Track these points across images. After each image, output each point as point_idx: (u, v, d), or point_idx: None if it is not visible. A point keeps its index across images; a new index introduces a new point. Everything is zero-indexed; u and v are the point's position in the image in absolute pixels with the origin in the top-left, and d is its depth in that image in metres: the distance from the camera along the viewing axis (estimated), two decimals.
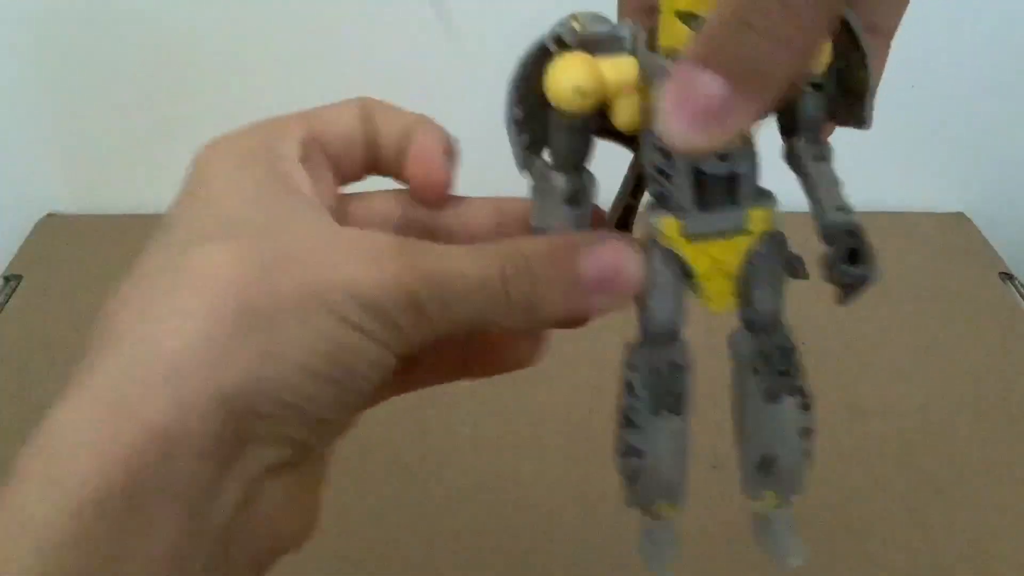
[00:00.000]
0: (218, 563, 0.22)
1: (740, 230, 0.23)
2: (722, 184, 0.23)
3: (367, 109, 0.27)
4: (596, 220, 0.26)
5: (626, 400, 0.25)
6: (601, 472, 0.49)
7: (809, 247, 0.24)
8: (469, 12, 0.62)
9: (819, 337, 0.56)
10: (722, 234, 0.23)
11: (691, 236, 0.23)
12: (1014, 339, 0.59)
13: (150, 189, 0.71)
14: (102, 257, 0.66)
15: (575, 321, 0.24)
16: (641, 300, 0.24)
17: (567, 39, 0.23)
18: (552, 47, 0.23)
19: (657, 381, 0.24)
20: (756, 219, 0.23)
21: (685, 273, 0.24)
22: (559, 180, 0.25)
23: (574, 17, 0.24)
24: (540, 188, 0.25)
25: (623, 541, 0.46)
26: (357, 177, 0.28)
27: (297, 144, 0.25)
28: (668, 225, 0.23)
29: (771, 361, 0.24)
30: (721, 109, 0.17)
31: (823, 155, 0.23)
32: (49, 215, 0.70)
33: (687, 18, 0.21)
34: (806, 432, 0.25)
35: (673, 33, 0.21)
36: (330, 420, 0.23)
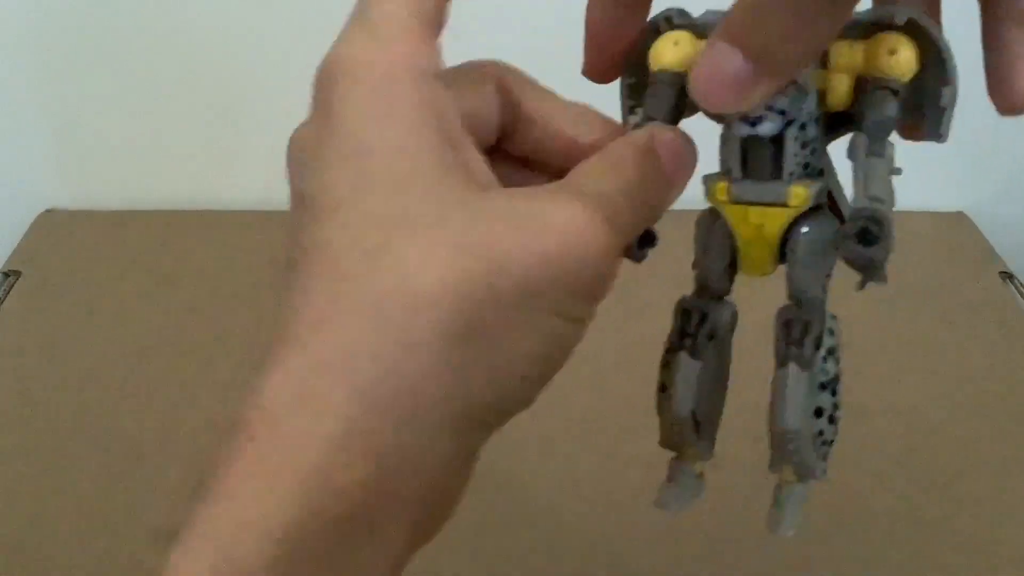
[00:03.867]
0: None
1: (779, 202, 0.25)
2: (764, 156, 0.25)
3: (506, 86, 0.25)
4: None
5: (667, 342, 0.28)
6: (601, 469, 0.49)
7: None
8: (470, 13, 0.62)
9: None
10: (763, 203, 0.25)
11: (735, 200, 0.25)
12: (1014, 339, 0.59)
13: (148, 185, 0.71)
14: (100, 253, 0.66)
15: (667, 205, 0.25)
16: (698, 258, 0.27)
17: (675, 20, 0.26)
18: (662, 25, 0.26)
19: (682, 321, 0.27)
20: (795, 196, 0.25)
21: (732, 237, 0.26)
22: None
23: (679, 11, 0.26)
24: None
25: (624, 538, 0.46)
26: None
27: (458, 109, 0.23)
28: (718, 188, 0.25)
29: (790, 329, 0.26)
30: (741, 81, 0.20)
31: (880, 152, 0.24)
32: (47, 211, 0.70)
33: None
34: (819, 412, 0.26)
35: None
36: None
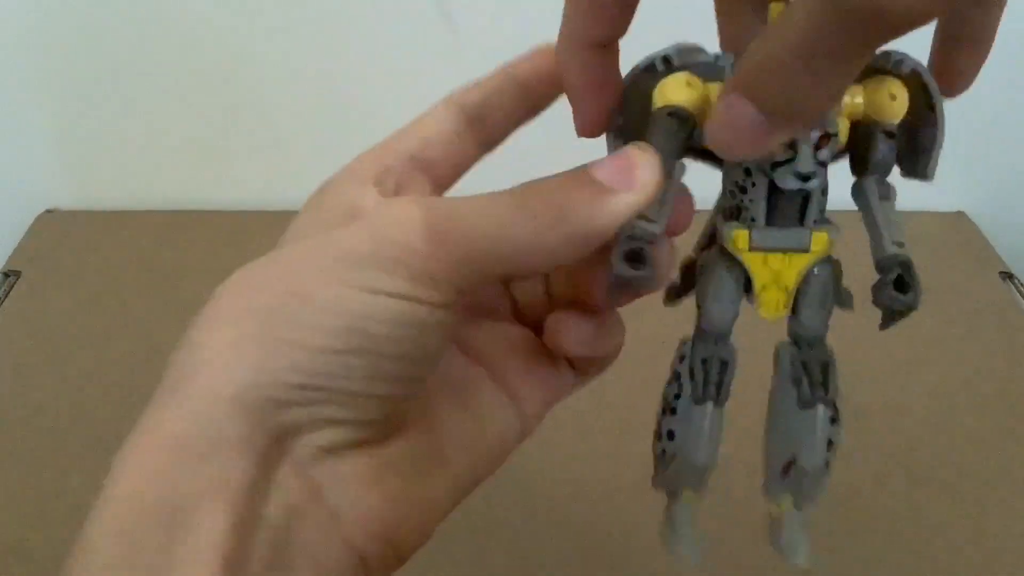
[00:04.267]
0: (291, 561, 0.22)
1: (802, 249, 0.25)
2: (794, 205, 0.25)
3: (456, 105, 0.27)
4: (682, 220, 0.26)
5: (670, 388, 0.27)
6: (601, 469, 0.49)
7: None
8: (471, 11, 0.62)
9: None
10: (785, 250, 0.25)
11: (757, 248, 0.25)
12: (1014, 339, 0.59)
13: (148, 185, 0.71)
14: (100, 253, 0.66)
15: (611, 224, 0.24)
16: (702, 301, 0.26)
17: (674, 60, 0.25)
18: (660, 66, 0.25)
19: (706, 372, 0.27)
20: (818, 241, 0.25)
21: (745, 281, 0.26)
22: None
23: (678, 50, 0.26)
24: None
25: (624, 538, 0.46)
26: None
27: (370, 178, 0.26)
28: (738, 236, 0.25)
29: (810, 371, 0.27)
30: (756, 132, 0.21)
31: (887, 195, 0.25)
32: (48, 211, 0.70)
33: None
34: (831, 444, 0.27)
35: None
36: (378, 394, 0.23)
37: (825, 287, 0.26)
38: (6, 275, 0.63)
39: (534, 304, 0.29)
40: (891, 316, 0.24)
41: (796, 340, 0.27)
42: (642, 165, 0.24)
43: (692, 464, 0.27)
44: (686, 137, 0.25)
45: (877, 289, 0.24)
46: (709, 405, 0.26)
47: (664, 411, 0.27)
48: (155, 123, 0.68)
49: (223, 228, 0.66)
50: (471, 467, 0.27)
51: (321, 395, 0.22)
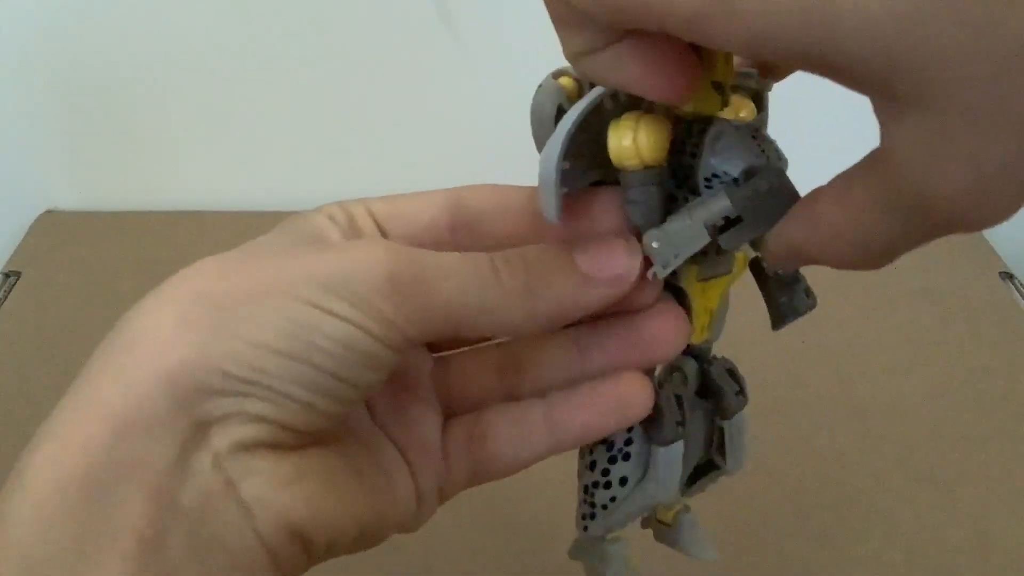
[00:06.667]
0: (205, 549, 0.22)
1: (727, 272, 0.26)
2: None
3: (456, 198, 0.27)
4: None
5: (618, 437, 0.28)
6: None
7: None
8: (471, 12, 0.62)
9: (819, 336, 0.56)
10: (717, 276, 0.26)
11: (704, 278, 0.26)
12: (1014, 339, 0.59)
13: (148, 186, 0.71)
14: (100, 254, 0.66)
15: (578, 311, 0.24)
16: None
17: (622, 96, 0.24)
18: (608, 104, 0.24)
19: (680, 410, 0.27)
20: (739, 261, 0.26)
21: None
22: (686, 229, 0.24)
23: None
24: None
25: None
26: None
27: (342, 221, 0.27)
28: (691, 271, 0.26)
29: (736, 377, 0.27)
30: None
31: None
32: (48, 211, 0.70)
33: (718, 87, 0.23)
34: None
35: (704, 99, 0.23)
36: (308, 403, 0.23)
37: (726, 301, 0.27)
38: (6, 275, 0.63)
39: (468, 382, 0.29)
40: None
41: (696, 356, 0.27)
42: (626, 264, 0.24)
43: (656, 501, 0.27)
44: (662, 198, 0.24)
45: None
46: (678, 445, 0.27)
47: (612, 460, 0.27)
48: (155, 124, 0.68)
49: (223, 229, 0.66)
50: (376, 508, 0.26)
51: (252, 390, 0.22)
